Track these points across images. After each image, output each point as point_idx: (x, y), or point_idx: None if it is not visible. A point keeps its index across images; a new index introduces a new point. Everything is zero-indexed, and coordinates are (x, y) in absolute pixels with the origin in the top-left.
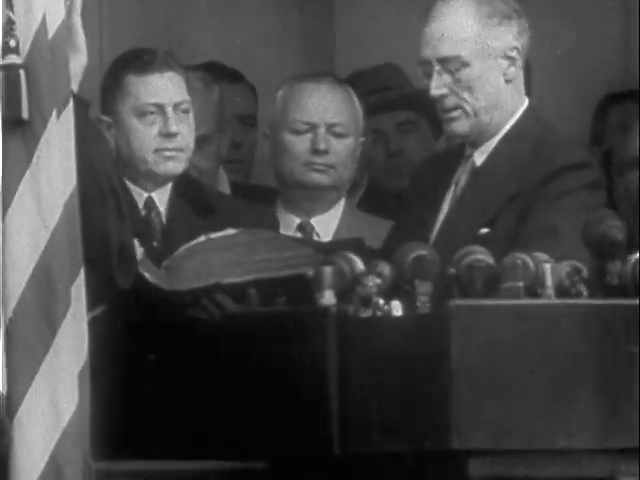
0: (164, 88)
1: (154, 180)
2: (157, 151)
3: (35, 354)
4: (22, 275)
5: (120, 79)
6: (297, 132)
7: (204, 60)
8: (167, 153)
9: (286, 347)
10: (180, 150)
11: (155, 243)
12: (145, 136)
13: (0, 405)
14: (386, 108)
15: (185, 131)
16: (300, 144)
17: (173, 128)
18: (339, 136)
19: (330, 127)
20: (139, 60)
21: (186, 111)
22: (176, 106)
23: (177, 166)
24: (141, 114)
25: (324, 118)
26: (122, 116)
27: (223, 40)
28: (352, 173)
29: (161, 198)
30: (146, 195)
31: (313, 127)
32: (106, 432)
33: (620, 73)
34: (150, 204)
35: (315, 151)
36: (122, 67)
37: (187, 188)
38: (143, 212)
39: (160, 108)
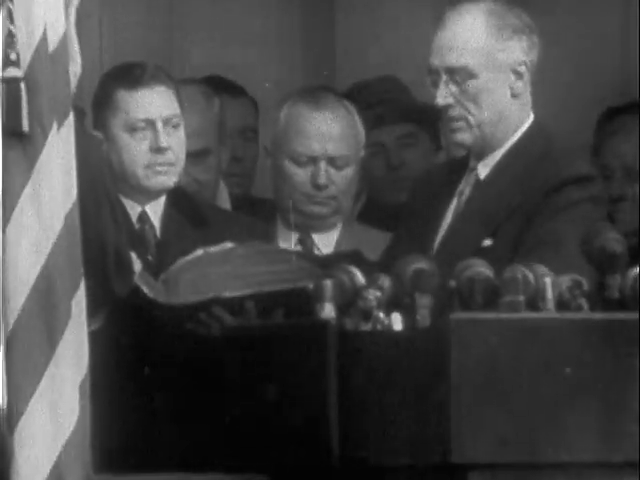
0: (154, 103)
1: (146, 194)
2: (148, 166)
3: (36, 366)
4: (23, 287)
5: (111, 94)
6: (298, 162)
7: (205, 73)
8: (158, 168)
9: (286, 360)
10: (171, 165)
11: (150, 257)
12: (136, 151)
13: (0, 418)
14: (387, 121)
15: (175, 145)
16: (300, 175)
17: (163, 143)
18: (340, 168)
19: (331, 160)
20: (129, 75)
21: (176, 125)
22: (166, 121)
23: (168, 180)
24: (131, 129)
25: (325, 151)
26: (113, 131)
27: (223, 51)
28: (353, 197)
29: (155, 212)
30: (140, 209)
31: (314, 160)
32: (107, 444)
33: (619, 86)
34: (144, 218)
35: (316, 185)
36: (112, 82)
37: (181, 201)
38: (137, 226)
39: (150, 123)
